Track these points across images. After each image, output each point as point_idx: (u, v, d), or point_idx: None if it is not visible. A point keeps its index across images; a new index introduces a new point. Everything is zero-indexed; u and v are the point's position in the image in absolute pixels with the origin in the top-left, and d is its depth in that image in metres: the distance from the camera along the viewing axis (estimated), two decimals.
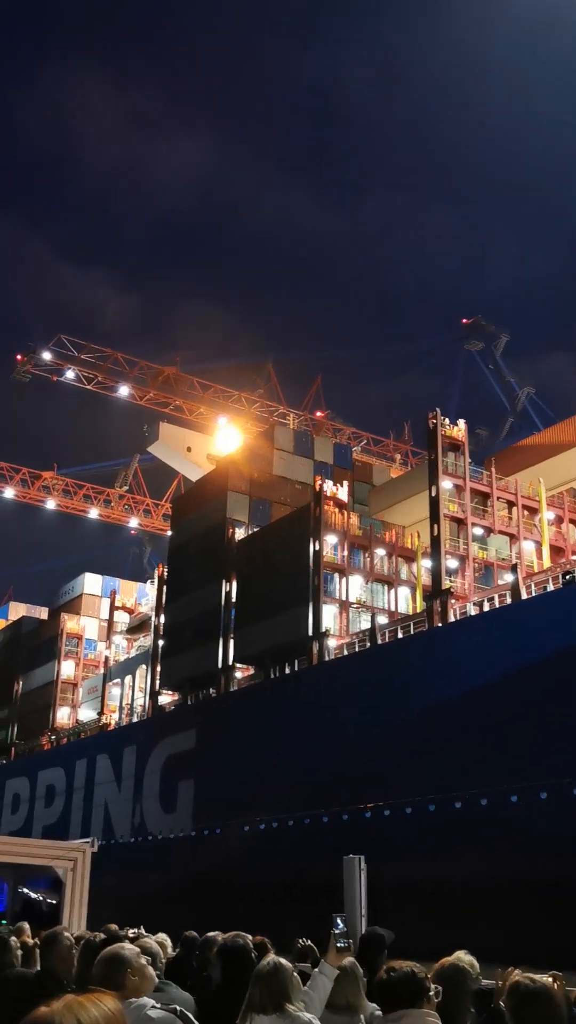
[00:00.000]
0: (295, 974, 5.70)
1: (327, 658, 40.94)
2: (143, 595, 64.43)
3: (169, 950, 10.71)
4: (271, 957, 5.96)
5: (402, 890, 30.65)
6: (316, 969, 6.15)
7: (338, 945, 6.05)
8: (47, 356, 65.67)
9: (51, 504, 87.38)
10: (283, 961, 5.74)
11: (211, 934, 10.61)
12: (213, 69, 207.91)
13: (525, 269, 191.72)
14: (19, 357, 66.51)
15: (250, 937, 7.83)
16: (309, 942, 9.90)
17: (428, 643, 35.92)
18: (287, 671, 43.19)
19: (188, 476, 62.86)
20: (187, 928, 12.11)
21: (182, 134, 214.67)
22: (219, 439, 62.34)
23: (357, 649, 39.86)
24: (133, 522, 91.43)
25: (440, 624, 35.88)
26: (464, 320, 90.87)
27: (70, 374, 67.36)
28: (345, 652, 40.42)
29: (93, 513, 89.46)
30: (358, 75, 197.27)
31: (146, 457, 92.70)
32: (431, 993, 4.74)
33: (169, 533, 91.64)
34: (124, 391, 68.78)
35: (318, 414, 75.18)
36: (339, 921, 6.26)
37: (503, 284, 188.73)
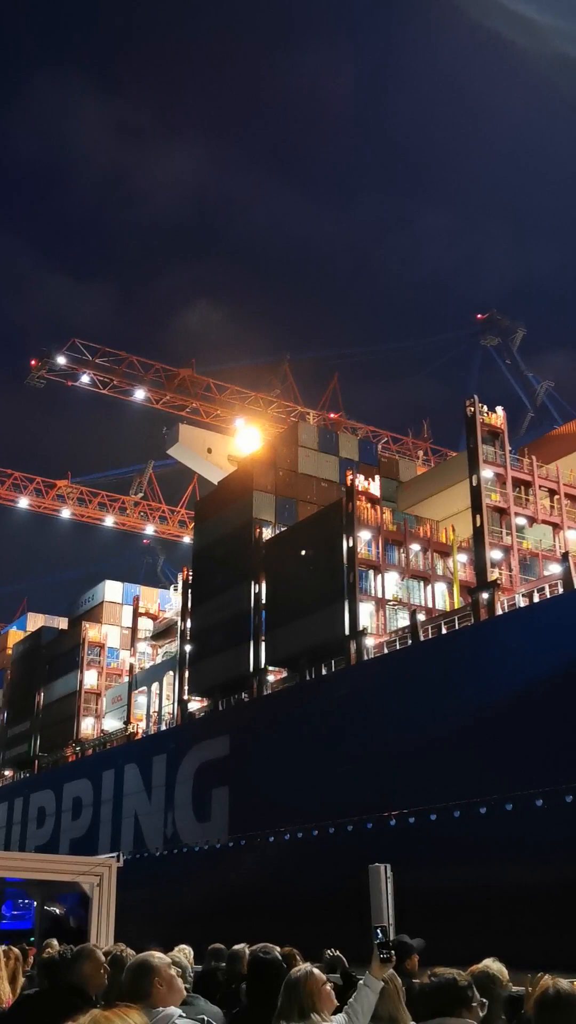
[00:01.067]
0: (325, 984, 5.68)
1: (365, 657, 39.64)
2: (166, 601, 63.16)
3: (191, 963, 10.64)
4: (304, 965, 5.98)
5: (466, 897, 29.48)
6: (361, 981, 6.01)
7: (381, 956, 5.91)
8: (62, 360, 64.54)
9: (66, 513, 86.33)
10: (315, 970, 5.71)
11: (238, 947, 10.61)
12: (201, 76, 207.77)
13: (524, 268, 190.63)
14: (33, 362, 65.47)
15: (278, 949, 7.62)
16: (337, 952, 9.89)
17: (476, 637, 34.58)
18: (323, 672, 41.90)
19: (209, 478, 61.65)
20: (228, 941, 11.64)
21: (173, 142, 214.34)
22: (239, 440, 61.15)
23: (398, 647, 38.51)
24: (149, 529, 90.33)
25: (487, 617, 34.54)
26: (479, 315, 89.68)
27: (85, 378, 66.24)
28: (385, 650, 39.08)
29: (108, 521, 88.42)
30: (347, 77, 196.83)
31: (160, 463, 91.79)
32: (474, 1004, 4.66)
33: (188, 539, 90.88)
34: (140, 394, 67.65)
35: (332, 415, 74.00)
36: (379, 932, 6.35)
37: (505, 282, 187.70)
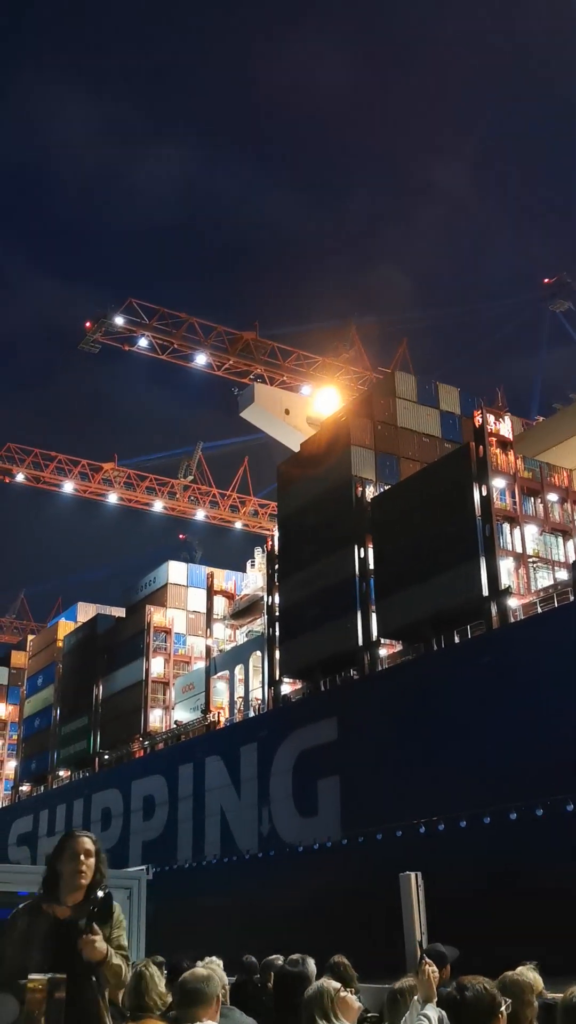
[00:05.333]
0: (340, 991, 5.90)
1: (512, 620, 34.28)
2: (241, 579, 57.83)
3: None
4: (319, 982, 6.17)
5: None
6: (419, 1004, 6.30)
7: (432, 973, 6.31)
8: (119, 321, 59.39)
9: (113, 498, 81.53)
10: (326, 983, 5.96)
11: (270, 958, 11.45)
12: (189, 73, 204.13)
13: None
14: (87, 325, 60.37)
15: (312, 960, 7.61)
16: (344, 959, 9.81)
17: None
18: (455, 640, 36.54)
19: (286, 443, 56.37)
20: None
21: (161, 141, 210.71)
22: (318, 400, 55.92)
23: (556, 604, 33.10)
24: (200, 514, 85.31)
25: None
26: (545, 280, 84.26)
27: (143, 342, 61.12)
28: (539, 610, 33.70)
29: (157, 506, 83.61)
30: (337, 73, 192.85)
31: (209, 445, 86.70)
32: (502, 1009, 4.74)
33: (240, 525, 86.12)
34: (201, 359, 62.49)
35: None
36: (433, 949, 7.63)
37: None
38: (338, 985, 5.94)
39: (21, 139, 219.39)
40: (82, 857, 5.85)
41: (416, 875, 28.51)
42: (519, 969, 6.24)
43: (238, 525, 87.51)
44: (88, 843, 5.95)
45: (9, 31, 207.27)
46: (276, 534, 49.34)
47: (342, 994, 5.84)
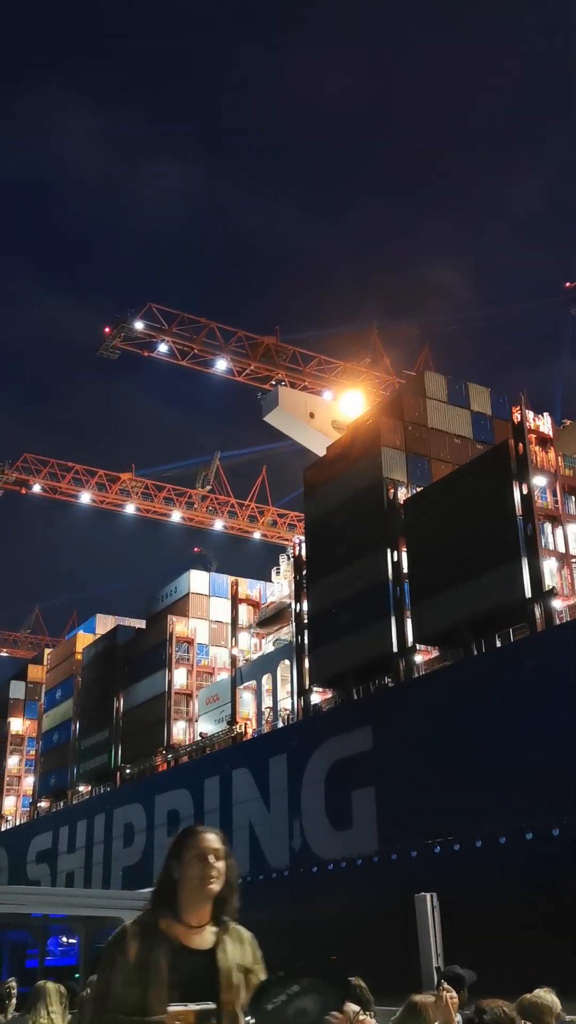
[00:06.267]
0: (359, 1017, 5.82)
1: (556, 622, 32.97)
2: (264, 588, 56.57)
3: None
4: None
5: None
6: None
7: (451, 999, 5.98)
8: (139, 326, 58.43)
9: (130, 508, 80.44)
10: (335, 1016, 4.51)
11: None
12: (192, 85, 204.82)
13: None
14: (106, 330, 59.42)
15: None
16: (360, 981, 9.02)
17: None
18: (497, 644, 35.23)
19: (311, 448, 55.18)
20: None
21: (165, 154, 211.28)
22: (343, 404, 54.78)
23: None
24: (218, 524, 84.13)
25: None
26: (567, 284, 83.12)
27: (163, 347, 60.10)
28: None
29: (175, 516, 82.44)
30: (339, 85, 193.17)
31: (227, 454, 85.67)
32: None
33: (259, 535, 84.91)
34: (222, 365, 61.46)
35: None
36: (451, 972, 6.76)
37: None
38: (357, 1008, 5.81)
39: (26, 153, 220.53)
40: (211, 859, 4.44)
41: (431, 896, 27.03)
42: (537, 992, 6.12)
43: (256, 535, 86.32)
44: (216, 840, 4.53)
45: (13, 46, 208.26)
46: (297, 540, 48.16)
47: (361, 1017, 5.74)
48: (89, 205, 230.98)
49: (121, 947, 4.33)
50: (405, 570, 40.16)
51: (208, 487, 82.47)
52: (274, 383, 61.38)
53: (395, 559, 40.61)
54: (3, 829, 79.94)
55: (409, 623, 39.31)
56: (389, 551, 40.78)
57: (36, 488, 76.46)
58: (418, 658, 39.36)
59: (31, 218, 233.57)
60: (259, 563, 78.76)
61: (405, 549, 40.38)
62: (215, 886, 4.42)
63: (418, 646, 39.16)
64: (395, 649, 39.40)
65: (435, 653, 39.24)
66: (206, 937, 4.40)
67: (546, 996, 6.24)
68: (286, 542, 69.41)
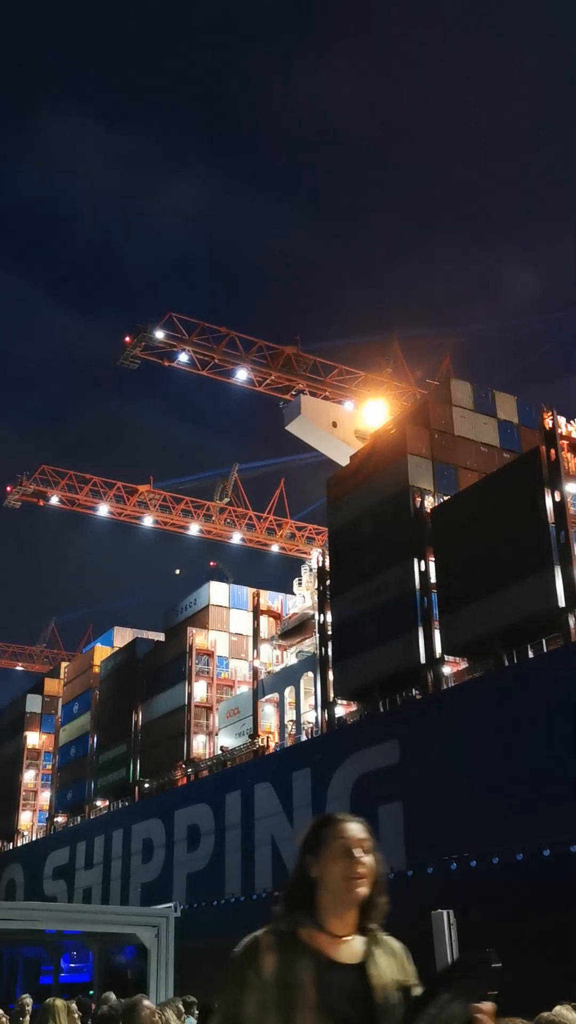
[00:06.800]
0: None
1: None
2: (285, 600, 55.83)
3: None
4: None
5: None
6: None
7: None
8: (160, 335, 57.98)
9: (148, 521, 79.98)
10: None
11: None
12: (203, 105, 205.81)
13: None
14: (127, 339, 58.97)
15: None
16: None
17: None
18: (529, 655, 34.38)
19: (334, 458, 54.50)
20: None
21: (178, 172, 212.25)
22: (366, 413, 54.14)
23: None
24: (236, 537, 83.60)
25: None
26: None
27: (183, 357, 59.62)
28: None
29: (193, 529, 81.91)
30: (350, 102, 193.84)
31: (245, 466, 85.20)
32: None
33: (277, 548, 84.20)
34: (242, 375, 60.92)
35: None
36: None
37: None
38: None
39: (41, 173, 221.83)
40: (358, 853, 3.65)
41: (448, 913, 26.02)
42: (557, 1009, 6.06)
43: (274, 548, 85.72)
44: (361, 830, 3.73)
45: (30, 69, 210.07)
46: (317, 552, 47.46)
47: None
48: (104, 224, 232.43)
49: (254, 961, 3.55)
50: (433, 580, 39.40)
51: (226, 499, 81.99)
52: (295, 393, 60.84)
53: (422, 569, 39.85)
54: (19, 844, 79.15)
55: (437, 634, 38.51)
56: (416, 561, 40.03)
57: (54, 500, 76.08)
58: (446, 670, 38.55)
59: (47, 238, 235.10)
60: (277, 576, 78.14)
61: (433, 558, 39.63)
62: (364, 888, 3.64)
63: (446, 657, 38.35)
64: (423, 661, 38.59)
65: (464, 665, 38.44)
66: (353, 949, 3.63)
67: (568, 1014, 5.98)
68: (304, 555, 68.76)
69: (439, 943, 31.70)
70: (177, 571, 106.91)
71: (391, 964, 3.66)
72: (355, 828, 3.73)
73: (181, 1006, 14.13)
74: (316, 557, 49.82)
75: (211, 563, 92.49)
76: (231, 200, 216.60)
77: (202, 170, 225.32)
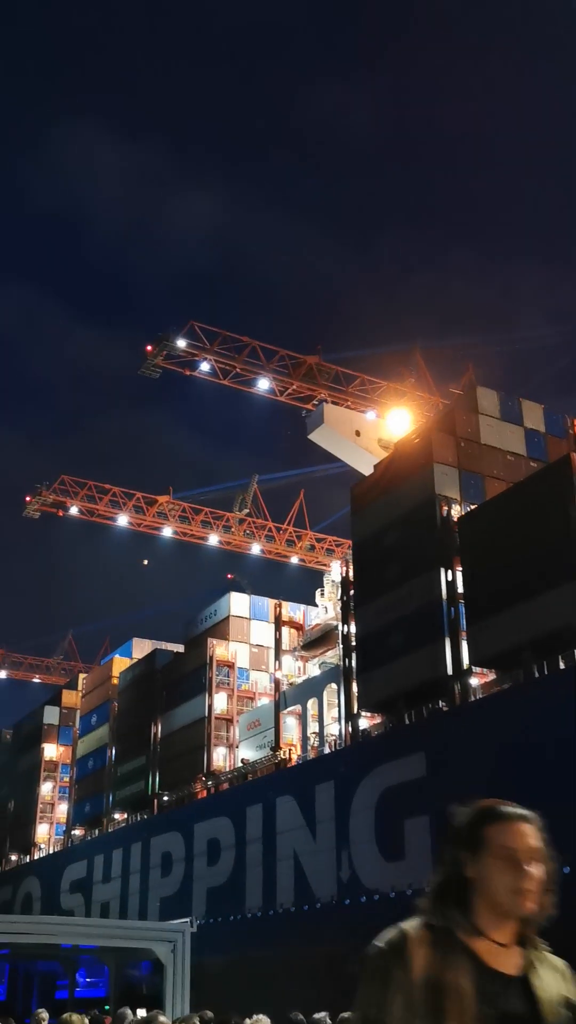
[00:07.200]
0: None
1: None
2: (306, 611, 55.22)
3: None
4: None
5: None
6: None
7: None
8: (182, 344, 57.73)
9: (168, 531, 79.73)
10: None
11: (318, 1015, 12.12)
12: (219, 119, 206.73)
13: None
14: (148, 348, 58.73)
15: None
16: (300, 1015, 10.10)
17: None
18: (561, 666, 33.67)
19: (357, 467, 53.96)
20: None
21: (192, 186, 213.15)
22: (390, 421, 53.65)
23: None
24: (255, 548, 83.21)
25: None
26: None
27: (205, 366, 59.30)
28: None
29: (213, 540, 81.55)
30: (364, 114, 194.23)
31: (265, 477, 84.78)
32: None
33: (296, 560, 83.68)
34: (264, 384, 60.55)
35: None
36: None
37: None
38: None
39: (55, 188, 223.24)
40: (530, 868, 3.07)
41: None
42: None
43: (294, 560, 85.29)
44: (534, 835, 3.15)
45: (42, 84, 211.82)
46: (337, 564, 46.87)
47: None
48: (119, 237, 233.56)
49: (401, 958, 3.04)
50: (460, 590, 38.77)
51: (246, 510, 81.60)
52: (316, 402, 60.42)
53: (450, 578, 39.23)
54: (36, 857, 78.56)
55: (464, 645, 37.85)
56: (444, 570, 39.41)
57: (73, 510, 75.96)
58: (474, 681, 37.88)
59: (63, 252, 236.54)
60: (296, 588, 77.56)
61: (460, 568, 39.01)
62: (533, 904, 3.08)
63: (474, 669, 37.67)
64: (450, 672, 37.94)
65: (492, 676, 37.74)
66: (513, 959, 3.11)
67: None
68: (324, 567, 68.21)
69: None
70: (144, 561, 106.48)
71: (555, 979, 3.12)
72: (526, 833, 3.14)
73: (198, 1022, 13.63)
74: (337, 568, 49.23)
75: (228, 575, 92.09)
76: (246, 213, 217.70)
77: (217, 184, 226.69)
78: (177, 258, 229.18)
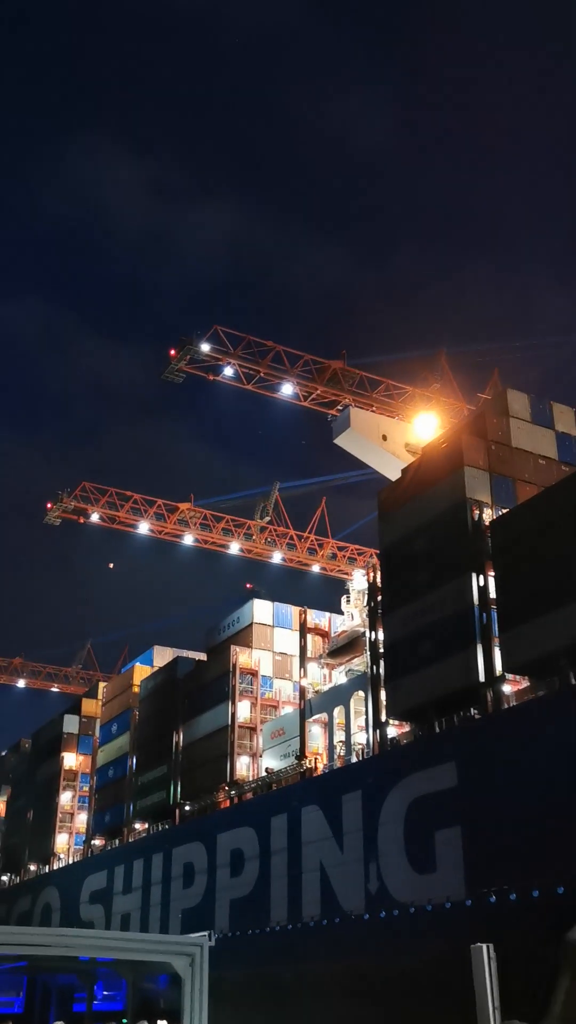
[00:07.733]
0: None
1: None
2: (334, 618, 54.40)
3: None
4: None
5: None
6: None
7: None
8: (206, 348, 57.20)
9: (188, 539, 79.12)
10: None
11: None
12: (234, 133, 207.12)
13: None
14: (172, 352, 58.22)
15: None
16: None
17: None
18: None
19: (383, 472, 53.22)
20: None
21: (208, 200, 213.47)
22: (417, 426, 52.87)
23: None
24: (276, 556, 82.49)
25: None
26: None
27: (229, 371, 58.80)
28: None
29: (234, 548, 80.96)
30: (380, 127, 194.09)
31: (286, 485, 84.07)
32: None
33: (318, 568, 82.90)
34: (288, 389, 59.95)
35: None
36: None
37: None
38: None
39: (73, 204, 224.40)
40: None
41: (488, 947, 24.29)
42: None
43: (315, 568, 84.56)
44: None
45: (58, 100, 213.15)
46: (359, 573, 46.07)
47: None
48: (135, 251, 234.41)
49: None
50: (492, 595, 37.87)
51: (267, 518, 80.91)
52: (340, 408, 59.74)
53: (481, 584, 38.33)
54: (56, 868, 77.83)
55: (497, 651, 36.95)
56: (476, 575, 38.52)
57: (94, 517, 75.52)
58: (507, 688, 36.95)
59: (79, 265, 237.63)
60: (318, 597, 76.73)
61: (492, 573, 38.12)
62: None
63: (507, 676, 36.75)
64: (482, 679, 36.98)
65: (526, 683, 36.79)
66: None
67: None
68: (346, 576, 67.44)
69: (479, 979, 29.95)
70: (111, 565, 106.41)
71: None
72: None
73: None
74: (360, 577, 48.40)
75: (247, 585, 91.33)
76: (261, 225, 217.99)
77: (232, 197, 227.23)
78: (193, 270, 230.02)
